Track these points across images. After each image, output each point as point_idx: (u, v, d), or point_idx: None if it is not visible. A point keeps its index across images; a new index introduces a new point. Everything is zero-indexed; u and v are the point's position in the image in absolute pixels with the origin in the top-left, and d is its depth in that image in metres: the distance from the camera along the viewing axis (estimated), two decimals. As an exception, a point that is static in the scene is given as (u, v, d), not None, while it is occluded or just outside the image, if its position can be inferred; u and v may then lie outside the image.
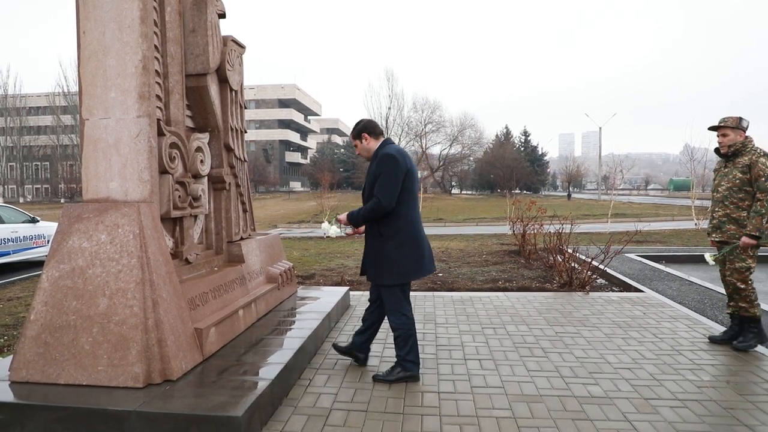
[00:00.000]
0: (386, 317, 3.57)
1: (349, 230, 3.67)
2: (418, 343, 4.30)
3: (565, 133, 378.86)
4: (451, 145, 62.10)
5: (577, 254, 7.33)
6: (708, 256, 4.24)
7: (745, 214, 4.01)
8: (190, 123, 3.91)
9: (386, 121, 60.87)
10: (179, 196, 3.49)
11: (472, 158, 66.03)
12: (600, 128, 49.50)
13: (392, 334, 3.56)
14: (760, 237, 3.91)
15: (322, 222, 4.27)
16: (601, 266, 6.84)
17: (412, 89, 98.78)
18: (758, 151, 4.02)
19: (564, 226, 7.63)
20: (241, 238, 4.52)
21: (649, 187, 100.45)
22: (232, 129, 4.27)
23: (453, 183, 69.79)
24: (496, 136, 68.52)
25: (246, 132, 4.66)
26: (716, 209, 4.21)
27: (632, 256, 9.25)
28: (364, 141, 3.56)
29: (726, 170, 4.17)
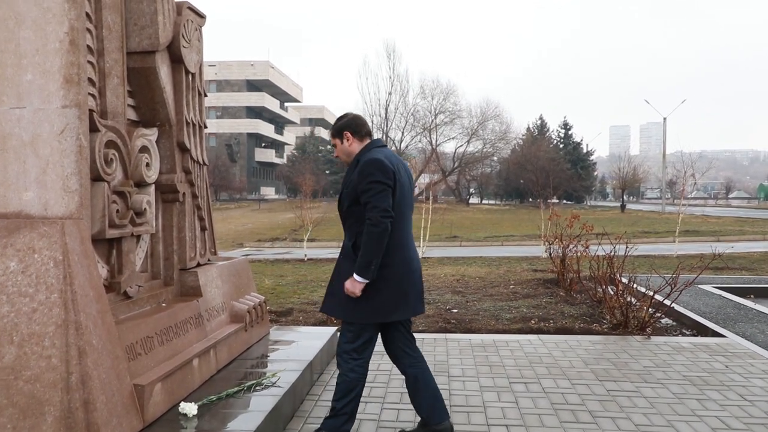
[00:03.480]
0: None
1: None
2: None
3: (617, 125, 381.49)
4: (469, 142, 62.39)
5: (635, 285, 7.31)
6: None
7: None
8: (133, 115, 3.91)
9: (386, 110, 61.21)
10: (117, 211, 3.48)
11: (495, 158, 66.31)
12: (664, 119, 49.83)
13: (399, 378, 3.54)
14: None
15: None
16: (667, 302, 6.82)
17: (419, 69, 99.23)
18: None
19: (617, 247, 7.62)
20: (198, 264, 4.51)
21: (731, 195, 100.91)
22: (188, 123, 4.27)
23: (471, 190, 70.05)
24: (528, 129, 69.00)
25: (206, 127, 4.67)
26: None
27: (708, 288, 9.26)
28: (345, 141, 3.59)
29: None
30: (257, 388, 3.96)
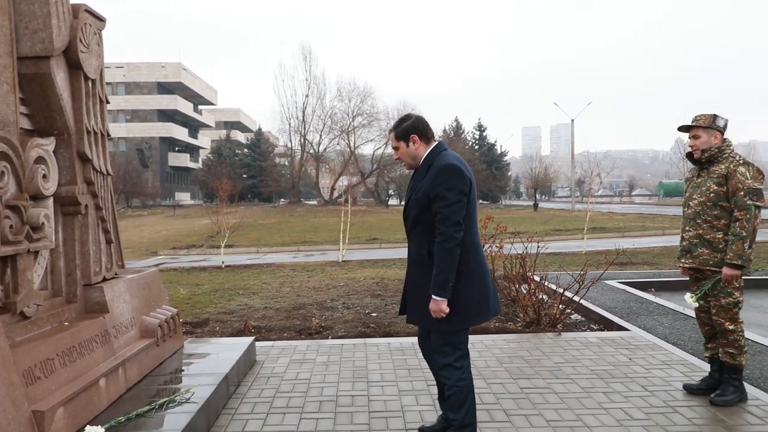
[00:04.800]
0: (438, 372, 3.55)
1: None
2: (346, 409, 4.30)
3: (529, 126, 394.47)
4: (387, 144, 62.82)
5: (546, 283, 7.57)
6: (689, 297, 4.43)
7: (720, 236, 4.22)
8: (27, 124, 3.73)
9: (303, 112, 60.88)
10: (11, 226, 3.30)
11: (414, 159, 67.05)
12: (572, 120, 51.90)
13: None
14: (743, 266, 4.12)
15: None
16: (576, 298, 7.09)
17: (335, 72, 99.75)
18: (737, 158, 4.24)
19: (529, 246, 7.86)
20: (104, 279, 4.34)
21: (634, 193, 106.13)
22: (89, 132, 4.10)
23: (390, 192, 70.60)
24: (444, 131, 70.21)
25: (110, 136, 4.48)
26: (687, 228, 4.46)
27: (614, 283, 9.69)
28: (411, 144, 3.49)
29: (699, 180, 4.41)
30: (170, 405, 3.82)
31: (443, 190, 3.27)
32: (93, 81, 4.19)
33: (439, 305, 3.28)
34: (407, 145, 3.50)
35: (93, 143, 4.17)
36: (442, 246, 3.25)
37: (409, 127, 3.49)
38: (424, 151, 3.50)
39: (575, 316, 7.37)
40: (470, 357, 3.55)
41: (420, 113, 3.84)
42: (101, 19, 4.29)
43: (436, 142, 3.54)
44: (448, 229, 3.24)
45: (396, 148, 3.56)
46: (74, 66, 3.95)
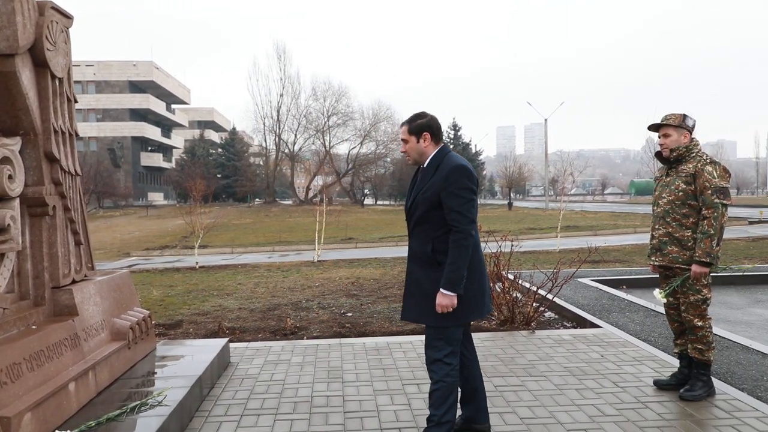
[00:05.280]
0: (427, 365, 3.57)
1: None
2: (320, 409, 4.29)
3: (504, 125, 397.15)
4: (362, 143, 62.97)
5: (520, 282, 7.62)
6: (658, 293, 4.51)
7: (689, 234, 4.30)
8: (-9, 123, 3.64)
9: (277, 112, 60.59)
10: (-24, 228, 3.22)
11: (389, 159, 67.29)
12: (546, 120, 52.38)
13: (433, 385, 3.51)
14: (712, 263, 4.21)
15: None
16: (550, 296, 7.16)
17: (310, 72, 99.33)
18: (704, 158, 4.33)
19: (503, 244, 7.90)
20: (74, 281, 4.27)
21: (606, 192, 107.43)
22: (56, 131, 4.03)
23: (366, 191, 70.63)
24: (420, 130, 70.13)
25: (77, 136, 4.41)
26: (657, 227, 4.53)
27: (587, 281, 9.80)
28: (422, 141, 3.55)
29: (668, 179, 4.48)
30: (142, 408, 3.78)
31: (457, 189, 3.37)
32: (60, 79, 4.12)
33: (451, 300, 3.35)
34: (417, 141, 3.57)
35: (61, 143, 4.09)
36: (459, 243, 3.34)
37: (424, 125, 3.56)
38: (432, 150, 3.57)
39: (549, 314, 7.44)
40: (478, 360, 3.59)
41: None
42: (68, 17, 4.22)
43: (443, 144, 3.62)
44: (466, 227, 3.34)
45: (405, 141, 3.63)
46: (40, 64, 3.88)
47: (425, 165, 3.57)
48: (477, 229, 3.51)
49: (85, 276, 4.50)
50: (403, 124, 3.65)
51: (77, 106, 4.52)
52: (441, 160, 3.50)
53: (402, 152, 3.72)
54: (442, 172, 3.43)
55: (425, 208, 3.46)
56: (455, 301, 3.35)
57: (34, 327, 3.72)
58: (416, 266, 3.57)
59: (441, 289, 3.35)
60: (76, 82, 4.39)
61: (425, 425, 3.52)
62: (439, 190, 3.40)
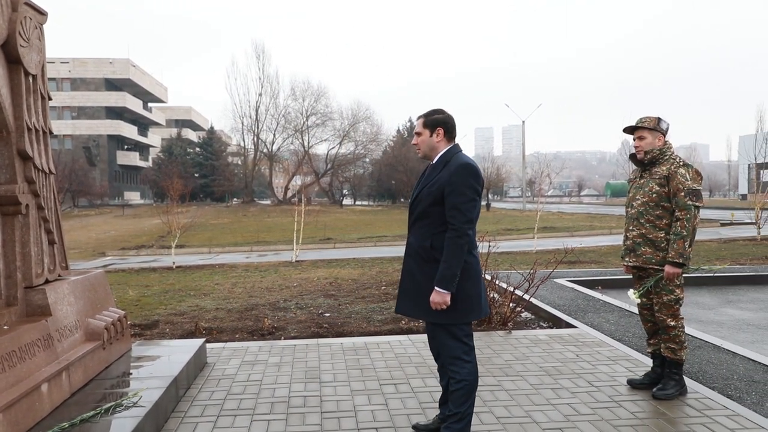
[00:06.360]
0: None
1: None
2: (298, 410, 4.27)
3: (482, 127, 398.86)
4: (341, 143, 62.87)
5: (497, 282, 7.67)
6: (632, 293, 4.58)
7: (662, 235, 4.37)
8: (-37, 120, 3.57)
9: (256, 111, 60.27)
10: (-54, 227, 3.16)
11: (368, 159, 67.33)
12: (523, 122, 52.75)
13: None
14: (684, 264, 4.28)
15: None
16: (526, 296, 7.22)
17: (289, 71, 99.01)
18: (677, 160, 4.41)
19: (481, 245, 7.94)
20: (47, 281, 4.21)
21: (582, 193, 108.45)
22: (29, 129, 3.97)
23: (344, 191, 70.52)
24: (398, 131, 70.46)
25: (52, 133, 4.34)
26: (630, 228, 4.60)
27: (563, 281, 9.88)
28: (435, 136, 3.56)
29: (642, 181, 4.56)
30: (117, 409, 3.74)
31: (461, 186, 3.38)
32: (34, 77, 4.06)
33: (444, 297, 3.36)
34: (431, 135, 3.59)
35: (34, 141, 4.03)
36: (454, 241, 3.35)
37: (440, 120, 3.59)
38: (443, 147, 3.59)
39: (525, 314, 7.49)
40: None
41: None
42: (42, 13, 4.16)
43: (454, 143, 3.63)
44: (463, 225, 3.35)
45: (418, 134, 3.64)
46: (13, 61, 3.82)
47: (435, 161, 3.59)
48: (474, 230, 3.53)
49: (59, 276, 4.44)
50: (419, 117, 3.68)
51: (52, 103, 4.46)
52: (451, 157, 3.52)
53: (413, 144, 3.74)
54: (450, 169, 3.45)
55: (429, 202, 3.47)
56: (448, 299, 3.36)
57: (6, 327, 3.66)
58: (412, 261, 3.58)
59: (435, 287, 3.37)
60: (50, 79, 4.33)
61: (446, 422, 3.53)
62: (445, 184, 3.41)
